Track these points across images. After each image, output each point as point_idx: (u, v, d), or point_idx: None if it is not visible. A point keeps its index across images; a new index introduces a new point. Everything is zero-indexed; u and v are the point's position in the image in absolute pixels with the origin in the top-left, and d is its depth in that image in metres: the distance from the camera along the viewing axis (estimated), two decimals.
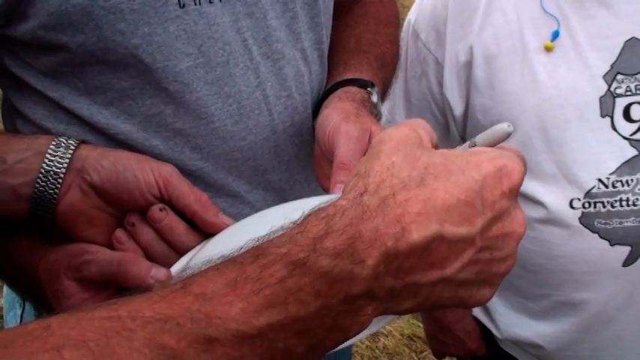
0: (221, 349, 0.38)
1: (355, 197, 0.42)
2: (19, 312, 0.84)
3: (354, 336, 0.42)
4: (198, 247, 0.62)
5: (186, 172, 0.66)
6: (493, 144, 0.46)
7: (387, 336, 2.23)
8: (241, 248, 0.42)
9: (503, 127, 0.46)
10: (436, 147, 0.47)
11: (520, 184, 0.44)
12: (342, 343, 0.42)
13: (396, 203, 0.41)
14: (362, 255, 0.39)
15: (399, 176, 0.42)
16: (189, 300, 0.38)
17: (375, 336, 2.22)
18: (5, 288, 0.90)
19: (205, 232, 0.63)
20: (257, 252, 0.40)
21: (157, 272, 0.59)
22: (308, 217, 0.41)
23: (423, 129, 0.47)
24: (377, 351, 2.19)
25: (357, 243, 0.40)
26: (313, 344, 0.40)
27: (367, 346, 2.20)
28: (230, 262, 0.41)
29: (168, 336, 0.37)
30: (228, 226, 0.62)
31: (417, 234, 0.40)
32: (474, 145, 0.47)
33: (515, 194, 0.44)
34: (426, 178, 0.42)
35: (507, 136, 0.46)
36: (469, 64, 0.94)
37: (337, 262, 0.39)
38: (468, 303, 0.44)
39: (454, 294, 0.43)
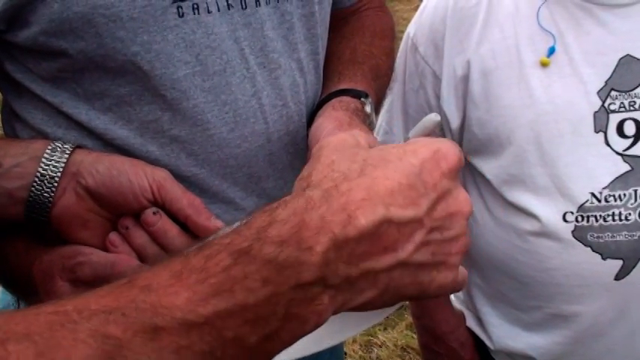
0: (168, 337, 0.38)
1: (298, 192, 0.43)
2: None
3: (312, 328, 0.42)
4: None
5: (181, 178, 0.67)
6: (425, 134, 0.48)
7: (380, 347, 2.23)
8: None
9: (430, 117, 0.49)
10: None
11: (457, 164, 0.45)
12: (301, 335, 0.42)
13: (339, 193, 0.41)
14: (309, 242, 0.40)
15: (339, 170, 0.43)
16: (135, 292, 0.39)
17: (368, 347, 2.22)
18: (0, 291, 0.91)
19: (198, 236, 0.63)
20: (201, 245, 0.41)
21: None
22: (253, 213, 0.42)
23: (359, 134, 0.49)
24: None
25: (303, 231, 0.40)
26: (267, 334, 0.40)
27: (360, 356, 2.19)
28: (175, 255, 0.41)
29: (114, 326, 0.37)
30: (220, 229, 0.63)
31: (365, 219, 0.40)
32: (408, 138, 0.49)
33: (455, 175, 0.45)
34: (365, 168, 0.43)
35: (435, 124, 0.48)
36: (466, 78, 0.95)
37: (283, 249, 0.39)
38: (431, 288, 0.45)
39: (414, 279, 0.44)
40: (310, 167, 0.46)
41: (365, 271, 0.42)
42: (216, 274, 0.39)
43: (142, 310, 0.38)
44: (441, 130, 1.03)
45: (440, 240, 0.44)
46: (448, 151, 0.45)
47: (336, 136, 0.48)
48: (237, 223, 0.42)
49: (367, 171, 0.43)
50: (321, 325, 0.42)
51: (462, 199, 0.45)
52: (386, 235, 0.41)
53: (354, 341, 2.21)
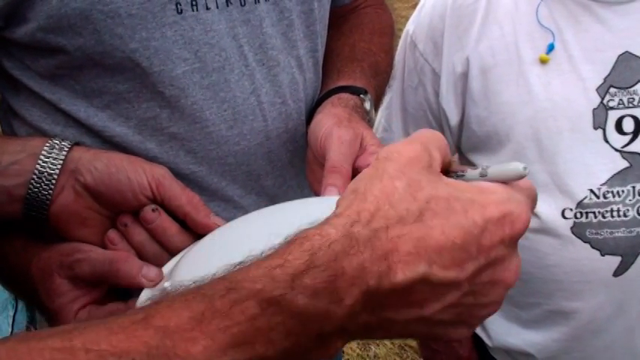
0: None
1: (345, 226, 0.39)
2: (11, 313, 0.85)
3: None
4: (189, 248, 0.62)
5: (180, 176, 0.67)
6: (504, 180, 0.43)
7: (378, 345, 2.23)
8: (214, 274, 0.40)
9: (518, 167, 0.42)
10: (449, 165, 0.45)
11: (523, 232, 0.41)
12: None
13: (387, 238, 0.38)
14: (341, 294, 0.37)
15: (397, 208, 0.40)
16: (150, 333, 0.36)
17: (366, 344, 2.22)
18: None
19: (197, 233, 0.63)
20: (229, 285, 0.38)
21: (148, 271, 0.59)
22: (290, 247, 0.39)
23: (436, 148, 0.43)
24: (367, 359, 2.19)
25: (339, 281, 0.37)
26: None
27: (358, 355, 2.20)
28: (199, 293, 0.38)
29: None
30: (219, 226, 0.63)
31: (403, 275, 0.38)
32: (485, 175, 0.44)
33: (515, 242, 0.42)
34: (425, 213, 0.39)
35: (520, 178, 0.43)
36: (465, 75, 0.95)
37: (315, 302, 0.37)
38: (441, 338, 0.44)
39: (429, 330, 0.42)
40: (369, 183, 0.41)
41: (383, 320, 0.40)
42: (240, 323, 0.37)
43: (154, 357, 0.35)
44: (439, 127, 1.03)
45: (471, 304, 0.41)
46: (518, 217, 0.41)
47: (409, 146, 0.43)
48: (270, 249, 0.39)
49: (426, 217, 0.39)
50: None
51: (511, 268, 0.42)
52: (418, 292, 0.39)
53: None
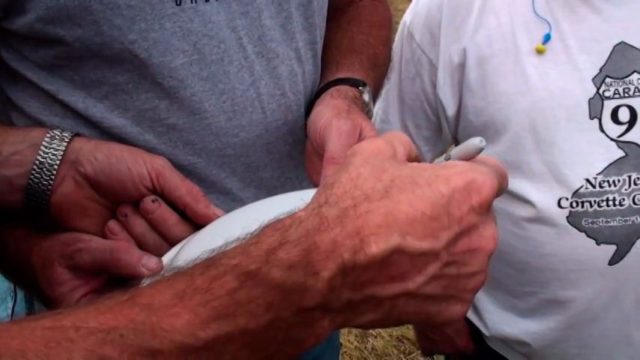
0: None
1: (314, 208, 0.41)
2: (10, 304, 0.85)
3: (310, 348, 0.41)
4: (189, 238, 0.63)
5: (179, 167, 0.67)
6: (467, 158, 0.45)
7: (375, 337, 2.24)
8: (195, 259, 0.41)
9: (475, 142, 0.44)
10: (416, 160, 0.46)
11: (491, 199, 0.42)
12: (297, 355, 0.41)
13: (356, 214, 0.39)
14: (317, 267, 0.38)
15: (363, 188, 0.41)
16: (135, 311, 0.37)
17: (363, 337, 2.23)
18: None
19: (197, 224, 0.64)
20: (208, 263, 0.39)
21: (148, 261, 0.60)
22: (264, 229, 0.40)
23: (399, 142, 0.45)
24: (365, 352, 2.20)
25: (313, 254, 0.38)
26: (264, 357, 0.40)
27: (356, 347, 2.21)
28: (180, 273, 0.39)
29: (110, 347, 0.36)
30: (218, 217, 0.63)
31: (377, 247, 0.39)
32: (449, 158, 0.46)
33: (486, 209, 0.42)
34: (390, 190, 0.40)
35: (479, 151, 0.44)
36: (462, 66, 0.95)
37: (290, 274, 0.38)
38: (437, 319, 0.43)
39: (420, 308, 0.42)
40: (337, 175, 0.43)
41: (368, 296, 0.40)
42: (220, 297, 0.38)
43: (140, 332, 0.36)
44: (436, 117, 1.03)
45: (455, 275, 0.42)
46: (484, 183, 0.42)
47: (372, 142, 0.45)
48: (246, 234, 0.41)
49: (392, 193, 0.40)
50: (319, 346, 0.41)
51: (487, 235, 0.42)
52: (396, 264, 0.40)
53: (350, 332, 2.22)
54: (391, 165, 0.42)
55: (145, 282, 0.58)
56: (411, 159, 0.46)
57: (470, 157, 0.45)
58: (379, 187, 0.41)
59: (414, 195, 0.40)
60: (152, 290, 0.39)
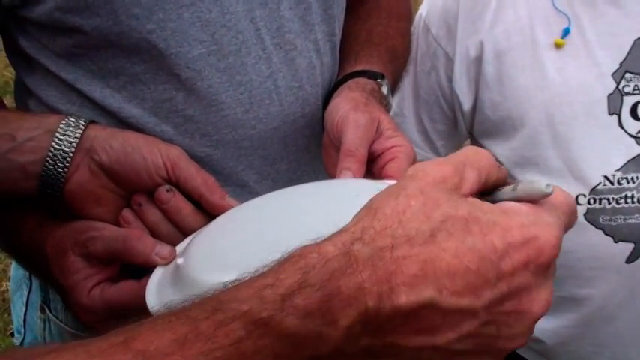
0: None
1: (345, 244, 0.37)
2: (25, 292, 0.86)
3: None
4: (202, 228, 0.62)
5: (195, 159, 0.67)
6: (531, 200, 0.40)
7: None
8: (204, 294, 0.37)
9: (541, 187, 0.39)
10: (498, 182, 0.42)
11: (552, 259, 0.38)
12: None
13: (392, 258, 0.36)
14: (336, 314, 0.35)
15: (407, 226, 0.37)
16: (128, 357, 0.34)
17: None
18: (12, 269, 0.91)
19: (211, 214, 0.63)
20: (216, 305, 0.36)
21: (162, 249, 0.59)
22: (284, 265, 0.36)
23: (472, 168, 0.40)
24: None
25: (334, 301, 0.35)
26: None
27: None
28: (184, 314, 0.36)
29: None
30: (233, 208, 0.63)
31: (407, 298, 0.35)
32: (515, 190, 0.41)
33: (543, 271, 0.38)
34: (438, 234, 0.36)
35: (544, 197, 0.40)
36: (479, 60, 0.94)
37: (306, 322, 0.35)
38: None
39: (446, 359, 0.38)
40: (384, 200, 0.38)
41: (389, 344, 0.37)
42: (224, 347, 0.34)
43: None
44: (452, 112, 1.02)
45: (493, 335, 0.38)
46: (546, 242, 0.37)
47: (438, 165, 0.40)
48: (265, 266, 0.37)
49: (438, 238, 0.36)
50: None
51: (540, 298, 0.38)
52: (426, 318, 0.36)
53: None
54: (448, 200, 0.38)
55: (158, 270, 0.58)
56: (490, 183, 0.41)
57: (534, 201, 0.40)
58: (425, 228, 0.36)
59: (462, 245, 0.36)
60: (150, 333, 0.35)
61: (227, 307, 0.35)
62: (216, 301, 0.36)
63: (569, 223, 0.41)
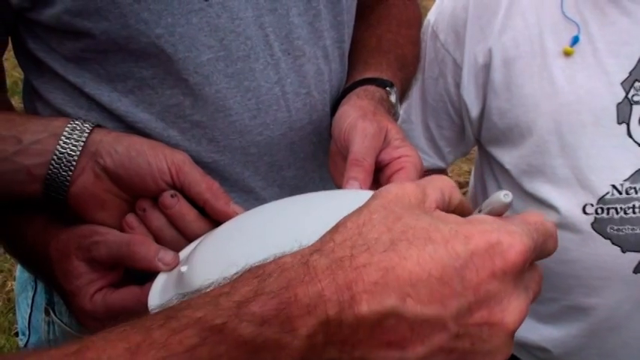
0: None
1: (303, 255, 0.36)
2: (30, 294, 0.86)
3: None
4: (207, 234, 0.62)
5: (202, 165, 0.67)
6: (496, 214, 0.40)
7: None
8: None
9: (499, 197, 0.39)
10: (461, 208, 0.41)
11: (519, 265, 0.36)
12: None
13: (351, 266, 0.35)
14: (294, 323, 0.34)
15: (367, 237, 0.36)
16: None
17: None
18: (17, 271, 0.91)
19: (216, 220, 0.63)
20: (170, 313, 0.35)
21: (165, 255, 0.59)
22: (242, 275, 0.36)
23: (435, 188, 0.40)
24: None
25: (292, 308, 0.34)
26: None
27: None
28: (138, 323, 0.35)
29: None
30: (238, 214, 0.63)
31: (368, 307, 0.34)
32: (480, 211, 0.41)
33: (513, 277, 0.36)
34: (398, 243, 0.36)
35: (504, 206, 0.39)
36: (487, 67, 0.94)
37: (263, 330, 0.34)
38: None
39: None
40: (347, 217, 0.38)
41: (358, 358, 0.36)
42: (177, 354, 0.33)
43: None
44: (459, 118, 1.02)
45: (469, 350, 0.37)
46: (510, 246, 0.36)
47: (401, 185, 0.40)
48: (222, 280, 0.37)
49: (399, 247, 0.35)
50: None
51: (511, 310, 0.36)
52: (393, 329, 0.35)
53: None
54: (410, 214, 0.37)
55: (161, 276, 0.58)
56: (449, 208, 0.40)
57: (499, 214, 0.40)
58: (385, 238, 0.36)
59: (424, 252, 0.35)
60: (103, 342, 0.34)
61: (181, 314, 0.35)
62: (171, 310, 0.36)
63: (544, 244, 0.39)
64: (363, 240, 0.36)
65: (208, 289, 0.37)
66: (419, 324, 0.35)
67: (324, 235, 0.38)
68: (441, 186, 0.41)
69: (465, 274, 0.36)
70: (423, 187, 0.40)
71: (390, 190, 0.39)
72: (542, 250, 0.39)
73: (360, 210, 0.39)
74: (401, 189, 0.39)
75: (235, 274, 0.37)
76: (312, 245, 0.37)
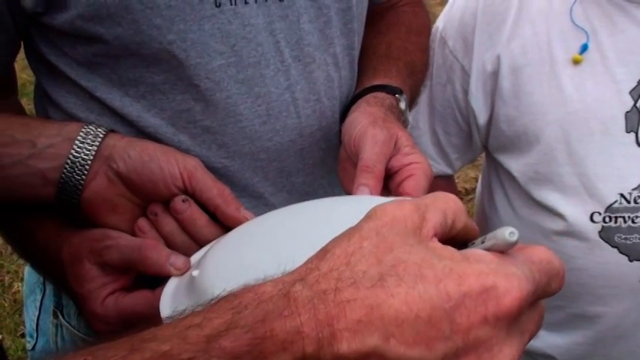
0: None
1: (285, 284, 0.34)
2: (39, 297, 0.86)
3: None
4: (218, 239, 0.63)
5: (212, 170, 0.67)
6: (499, 251, 0.37)
7: None
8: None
9: (504, 234, 0.36)
10: (465, 231, 0.39)
11: (514, 312, 0.34)
12: None
13: (335, 301, 0.33)
14: (269, 359, 0.32)
15: (355, 269, 0.34)
16: None
17: None
18: (26, 273, 0.92)
19: (226, 226, 0.64)
20: (135, 344, 0.33)
21: (176, 260, 0.59)
22: (217, 303, 0.34)
23: (436, 210, 0.37)
24: None
25: (267, 344, 0.32)
26: None
27: None
28: (100, 353, 0.33)
29: None
30: (248, 220, 0.63)
31: (348, 346, 0.32)
32: (483, 242, 0.38)
33: (507, 323, 0.34)
34: (387, 278, 0.33)
35: (510, 246, 0.36)
36: (495, 74, 0.94)
37: None
38: None
39: None
40: (336, 241, 0.36)
41: None
42: None
43: None
44: (467, 125, 1.02)
45: None
46: (507, 292, 0.34)
47: (399, 205, 0.37)
48: (198, 305, 0.35)
49: (387, 283, 0.33)
50: None
51: (501, 357, 0.34)
52: None
53: None
54: (403, 244, 0.35)
55: (173, 281, 0.58)
56: (452, 231, 0.38)
57: (501, 251, 0.37)
58: (374, 271, 0.34)
59: (413, 291, 0.33)
60: None
61: (145, 346, 0.33)
62: (136, 340, 0.34)
63: (548, 285, 0.37)
64: (350, 272, 0.34)
65: (180, 317, 0.35)
66: None
67: (310, 260, 0.36)
68: (444, 208, 0.38)
69: (454, 317, 0.33)
70: (423, 210, 0.37)
71: (386, 211, 0.37)
72: (544, 291, 0.37)
73: (351, 233, 0.36)
74: (398, 210, 0.37)
75: (211, 300, 0.35)
76: (295, 272, 0.35)
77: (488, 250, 0.37)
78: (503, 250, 0.37)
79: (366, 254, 0.35)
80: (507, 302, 0.34)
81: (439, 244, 0.36)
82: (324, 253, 0.36)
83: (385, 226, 0.36)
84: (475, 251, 0.37)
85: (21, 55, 0.75)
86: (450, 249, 0.36)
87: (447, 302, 0.33)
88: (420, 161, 0.64)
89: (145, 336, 0.34)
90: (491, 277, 0.34)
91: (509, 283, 0.34)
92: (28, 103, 0.82)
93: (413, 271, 0.34)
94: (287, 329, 0.32)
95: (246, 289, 0.35)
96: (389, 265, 0.34)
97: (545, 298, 0.38)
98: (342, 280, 0.34)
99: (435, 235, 0.37)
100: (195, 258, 0.61)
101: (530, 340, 0.37)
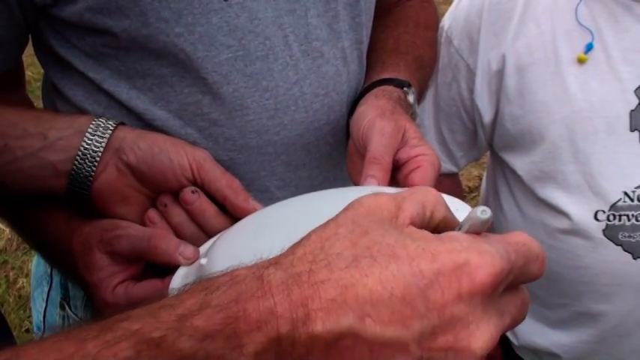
0: None
1: (259, 268, 0.34)
2: (46, 289, 0.86)
3: None
4: (226, 230, 0.63)
5: (219, 163, 0.67)
6: (475, 231, 0.37)
7: None
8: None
9: (476, 213, 0.37)
10: (444, 224, 0.38)
11: (487, 287, 0.34)
12: None
13: (309, 282, 0.33)
14: (242, 339, 0.32)
15: (329, 251, 0.34)
16: None
17: None
18: (33, 266, 0.92)
19: (235, 217, 0.64)
20: (107, 324, 0.33)
21: (185, 249, 0.60)
22: (192, 286, 0.35)
23: (414, 202, 0.37)
24: None
25: (240, 323, 0.32)
26: None
27: None
28: (73, 333, 0.33)
29: None
30: (257, 210, 0.63)
31: (323, 325, 0.32)
32: (460, 228, 0.38)
33: (482, 300, 0.34)
34: (361, 259, 0.34)
35: (483, 223, 0.37)
36: (501, 73, 0.95)
37: (205, 345, 0.32)
38: None
39: None
40: (312, 231, 0.36)
41: None
42: None
43: None
44: (472, 124, 1.02)
45: None
46: (479, 267, 0.34)
47: (376, 197, 0.38)
48: (174, 291, 0.36)
49: (361, 264, 0.33)
50: None
51: (479, 334, 0.34)
52: (350, 350, 0.33)
53: None
54: (378, 228, 0.35)
55: (182, 270, 0.59)
56: (430, 223, 0.38)
57: (477, 231, 0.37)
58: (348, 253, 0.34)
59: (386, 270, 0.33)
60: (35, 352, 0.33)
61: (117, 326, 0.33)
62: (109, 321, 0.34)
63: (525, 267, 0.37)
64: (324, 255, 0.34)
65: (153, 302, 0.35)
66: (378, 346, 0.33)
67: (287, 249, 0.36)
68: (423, 200, 0.38)
69: (429, 294, 0.33)
70: (400, 200, 0.37)
71: (362, 202, 0.37)
72: (522, 272, 0.36)
73: (328, 222, 0.37)
74: (374, 201, 0.37)
75: (185, 285, 0.35)
76: (271, 258, 0.36)
77: (465, 229, 0.37)
78: (480, 231, 0.37)
79: (341, 239, 0.35)
80: (480, 278, 0.34)
81: (414, 229, 0.36)
82: (300, 240, 0.36)
83: (361, 214, 0.36)
84: (449, 233, 0.37)
85: (25, 52, 0.76)
86: (424, 232, 0.36)
87: (420, 280, 0.33)
88: (427, 153, 0.64)
89: (119, 317, 0.34)
90: (464, 254, 0.34)
91: (481, 259, 0.34)
92: (32, 100, 0.83)
93: (386, 251, 0.34)
94: (260, 309, 0.33)
95: (222, 274, 0.35)
96: (363, 246, 0.34)
97: (529, 283, 0.38)
98: (316, 262, 0.34)
99: (412, 224, 0.37)
100: (203, 248, 0.62)
101: (513, 324, 0.37)
